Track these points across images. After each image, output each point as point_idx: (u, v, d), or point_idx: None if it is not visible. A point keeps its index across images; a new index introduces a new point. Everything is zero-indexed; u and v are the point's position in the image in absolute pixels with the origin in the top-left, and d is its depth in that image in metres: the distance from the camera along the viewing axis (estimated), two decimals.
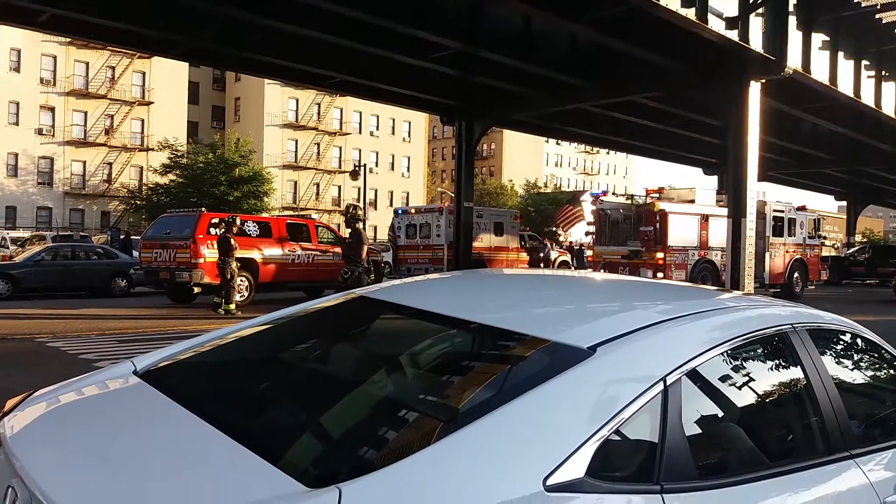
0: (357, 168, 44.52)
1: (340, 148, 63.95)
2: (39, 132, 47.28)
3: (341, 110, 62.89)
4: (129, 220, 47.66)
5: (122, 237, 28.01)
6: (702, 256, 20.64)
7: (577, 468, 1.49)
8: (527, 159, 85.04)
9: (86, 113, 49.53)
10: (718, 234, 19.99)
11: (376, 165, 64.46)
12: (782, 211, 23.71)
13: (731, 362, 2.04)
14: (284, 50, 19.08)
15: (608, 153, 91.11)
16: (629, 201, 22.28)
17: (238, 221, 16.96)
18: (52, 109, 48.01)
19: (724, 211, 20.49)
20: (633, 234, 20.31)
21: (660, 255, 19.54)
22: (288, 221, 20.45)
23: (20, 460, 1.64)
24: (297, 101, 60.13)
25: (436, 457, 1.46)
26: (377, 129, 66.43)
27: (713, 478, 1.77)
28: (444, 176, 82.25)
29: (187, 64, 48.49)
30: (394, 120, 66.66)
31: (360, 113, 64.03)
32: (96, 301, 18.29)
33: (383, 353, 2.33)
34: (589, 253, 22.20)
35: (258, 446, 1.58)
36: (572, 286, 2.92)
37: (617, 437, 1.59)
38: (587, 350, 1.74)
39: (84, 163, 49.79)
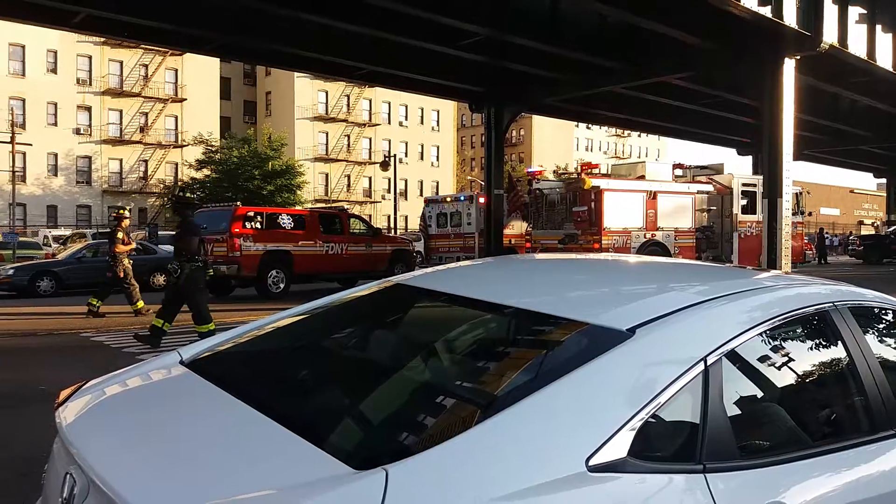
0: (387, 159, 44.66)
1: (370, 139, 64.14)
2: (77, 132, 48.22)
3: (370, 101, 63.03)
4: (166, 215, 48.44)
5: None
6: (649, 238, 18.43)
7: (619, 448, 1.50)
8: (557, 145, 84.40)
9: (121, 111, 50.37)
10: (671, 212, 18.67)
11: (406, 155, 64.54)
12: (753, 185, 21.15)
13: (771, 342, 2.03)
14: (313, 42, 19.18)
15: (639, 136, 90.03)
16: (562, 179, 20.28)
17: (128, 213, 16.80)
18: (89, 109, 48.90)
19: (681, 187, 19.31)
20: (569, 215, 18.40)
21: (596, 237, 17.48)
22: (321, 213, 20.62)
23: (77, 448, 1.70)
24: (327, 93, 60.42)
25: (479, 438, 1.48)
26: (406, 119, 66.46)
27: (756, 457, 1.77)
28: (473, 164, 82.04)
29: (218, 60, 49.00)
30: (422, 109, 66.62)
31: (389, 103, 64.11)
32: None
33: (422, 338, 2.35)
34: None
35: (303, 430, 1.62)
36: (605, 269, 2.91)
37: (658, 418, 1.60)
38: (626, 332, 1.75)
39: (121, 161, 50.69)
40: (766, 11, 15.00)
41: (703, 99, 24.11)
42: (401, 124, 66.16)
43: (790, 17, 15.49)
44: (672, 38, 16.97)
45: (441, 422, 1.73)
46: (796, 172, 19.16)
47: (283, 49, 19.94)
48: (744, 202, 20.82)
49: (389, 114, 65.17)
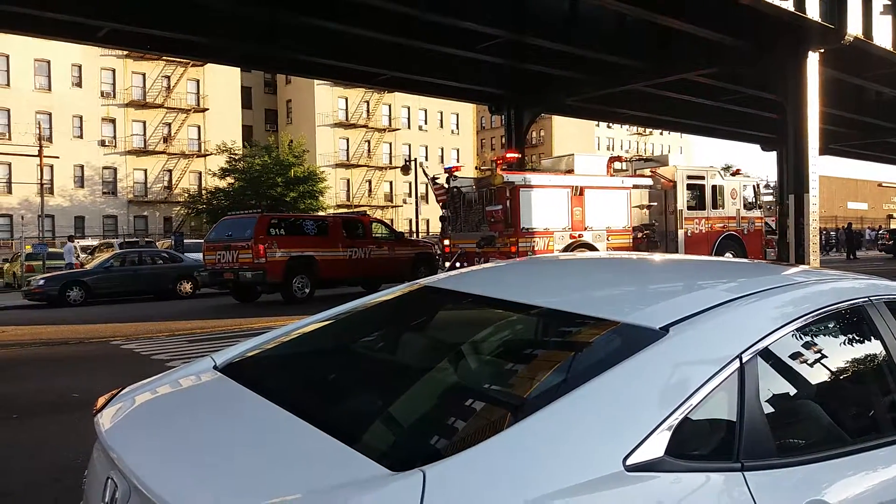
0: (408, 163, 44.75)
1: (390, 144, 64.36)
2: (102, 143, 48.93)
3: (390, 107, 63.27)
4: (191, 224, 48.98)
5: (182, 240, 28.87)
6: (575, 239, 16.73)
7: (656, 448, 1.50)
8: (578, 145, 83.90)
9: (144, 122, 51.04)
10: (603, 209, 17.03)
11: (426, 159, 64.63)
12: (701, 178, 19.36)
13: (806, 338, 2.01)
14: (332, 50, 19.34)
15: (661, 134, 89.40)
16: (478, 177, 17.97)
17: None
18: (113, 121, 49.61)
19: (614, 181, 17.55)
20: (485, 215, 16.69)
21: (512, 240, 15.78)
22: (343, 219, 20.74)
23: (117, 453, 1.73)
24: (347, 100, 60.74)
25: (515, 439, 1.48)
26: (425, 123, 66.61)
27: (794, 455, 1.75)
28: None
29: (239, 69, 49.50)
30: (442, 113, 66.74)
31: (409, 108, 64.30)
32: (164, 304, 18.91)
33: (453, 340, 2.36)
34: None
35: (338, 432, 1.63)
36: (632, 268, 2.90)
37: (695, 417, 1.59)
38: (659, 331, 1.74)
39: (145, 171, 51.34)
40: (789, 5, 14.86)
41: (726, 95, 23.91)
42: (420, 128, 66.33)
43: (813, 11, 15.33)
44: (693, 35, 16.88)
45: (475, 423, 1.73)
46: (822, 167, 18.71)
47: (302, 57, 20.12)
48: (691, 197, 19.03)
49: (409, 118, 65.37)
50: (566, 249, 16.32)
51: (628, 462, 1.46)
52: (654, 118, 30.62)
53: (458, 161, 69.39)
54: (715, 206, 19.30)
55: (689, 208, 18.77)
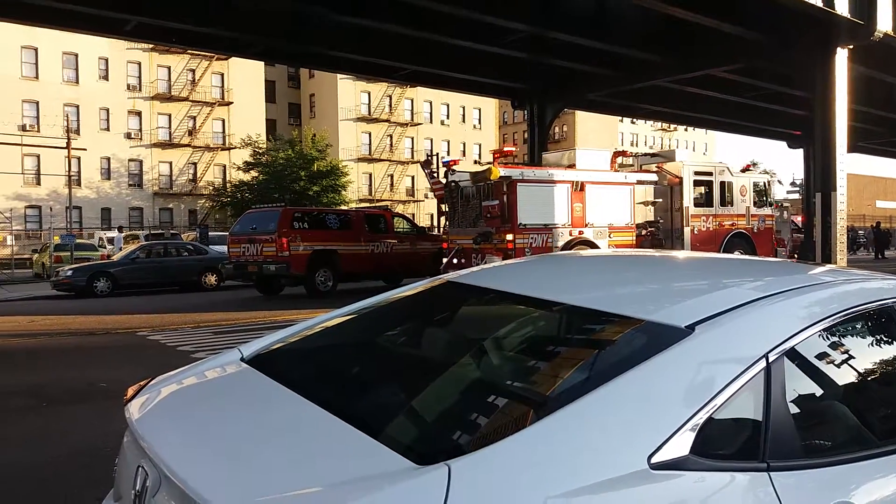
0: (429, 157, 44.78)
1: (412, 138, 64.44)
2: (128, 136, 49.50)
3: (412, 101, 63.32)
4: (216, 216, 49.43)
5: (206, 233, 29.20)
6: (576, 236, 16.18)
7: (681, 446, 1.50)
8: (601, 140, 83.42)
9: (170, 115, 51.55)
10: (605, 205, 16.55)
11: (448, 154, 64.60)
12: (709, 174, 18.78)
13: (833, 339, 1.99)
14: (355, 44, 19.39)
15: (686, 130, 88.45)
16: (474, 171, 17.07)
17: None
18: (139, 114, 50.16)
19: (617, 176, 17.01)
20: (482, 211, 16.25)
21: (509, 236, 15.30)
22: (366, 213, 20.81)
23: (148, 442, 1.76)
24: (370, 94, 60.88)
25: (540, 435, 1.49)
26: (448, 117, 66.59)
27: (821, 456, 1.75)
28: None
29: (263, 63, 49.78)
30: (464, 108, 66.67)
31: (431, 103, 64.31)
32: (188, 296, 19.13)
33: (477, 336, 2.37)
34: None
35: (363, 425, 1.65)
36: (655, 265, 2.89)
37: (720, 416, 1.59)
38: (685, 329, 1.73)
39: (170, 163, 51.88)
40: (817, 0, 14.65)
41: (751, 91, 23.64)
42: (442, 123, 66.32)
43: (842, 6, 15.10)
44: (718, 31, 16.71)
45: (499, 419, 1.74)
46: (850, 165, 18.43)
47: (326, 52, 20.19)
48: (698, 193, 18.47)
49: (431, 113, 65.38)
50: (566, 247, 15.86)
51: (653, 460, 1.46)
52: (678, 114, 30.34)
53: (479, 156, 69.38)
54: (723, 203, 18.74)
55: (697, 205, 18.28)
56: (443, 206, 17.54)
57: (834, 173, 16.60)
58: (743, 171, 19.82)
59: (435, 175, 18.29)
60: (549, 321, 2.25)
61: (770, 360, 1.70)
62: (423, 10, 16.56)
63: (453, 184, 16.79)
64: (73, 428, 5.99)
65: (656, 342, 1.70)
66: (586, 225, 16.32)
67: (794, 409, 1.75)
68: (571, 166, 16.85)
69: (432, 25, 17.61)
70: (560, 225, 15.97)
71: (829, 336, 1.96)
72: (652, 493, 1.45)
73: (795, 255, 26.63)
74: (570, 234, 16.07)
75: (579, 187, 16.24)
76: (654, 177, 17.75)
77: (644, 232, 17.36)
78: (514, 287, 2.46)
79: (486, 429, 1.67)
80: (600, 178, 16.67)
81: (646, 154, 19.86)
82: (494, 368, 2.11)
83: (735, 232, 18.85)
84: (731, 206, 18.88)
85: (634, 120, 77.54)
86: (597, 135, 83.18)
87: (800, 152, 34.38)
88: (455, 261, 16.07)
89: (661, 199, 17.81)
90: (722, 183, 18.76)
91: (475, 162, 16.53)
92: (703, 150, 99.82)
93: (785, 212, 31.73)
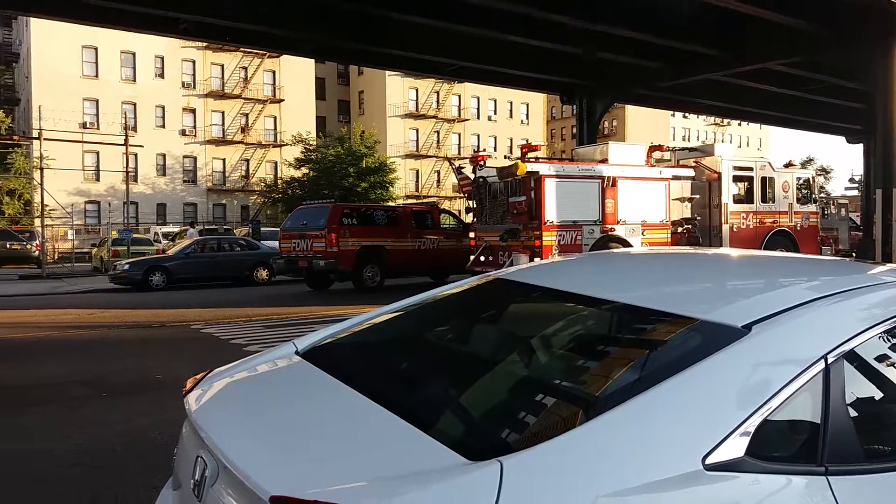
0: (476, 153, 44.77)
1: (459, 134, 64.44)
2: (183, 133, 50.68)
3: (459, 97, 63.32)
4: (267, 212, 50.27)
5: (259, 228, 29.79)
6: (606, 233, 15.69)
7: (736, 448, 1.48)
8: (651, 135, 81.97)
9: (223, 113, 52.60)
10: (638, 202, 15.97)
11: (495, 150, 64.41)
12: (749, 168, 18.10)
13: (894, 341, 1.93)
14: (404, 41, 19.49)
15: (739, 124, 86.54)
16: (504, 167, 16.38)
17: None
18: (193, 111, 51.31)
19: (651, 172, 16.38)
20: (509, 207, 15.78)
21: (536, 233, 14.87)
22: (413, 209, 20.91)
23: (206, 432, 1.82)
24: (417, 90, 61.10)
25: (593, 434, 1.49)
26: (495, 113, 66.38)
27: (882, 461, 1.70)
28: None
29: (313, 61, 50.39)
30: (511, 103, 66.38)
31: (478, 98, 64.20)
32: (241, 290, 19.51)
33: (527, 333, 2.37)
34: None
35: (414, 419, 1.68)
36: (708, 264, 2.84)
37: (777, 418, 1.56)
38: (742, 329, 1.71)
39: (224, 160, 52.94)
40: None
41: (808, 84, 22.99)
42: (490, 119, 66.14)
43: None
44: (774, 23, 16.31)
45: (551, 417, 1.75)
46: None
47: (375, 49, 20.34)
48: (738, 190, 17.83)
49: (478, 108, 65.26)
50: (596, 244, 15.46)
51: (707, 461, 1.45)
52: (732, 108, 29.69)
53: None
54: (764, 200, 18.02)
55: (736, 201, 17.65)
56: (470, 202, 17.32)
57: (895, 169, 16.05)
58: (786, 166, 19.18)
59: (462, 171, 18.11)
60: (600, 319, 2.23)
61: (829, 362, 1.67)
62: (471, 6, 16.56)
63: (481, 179, 16.48)
64: (130, 417, 6.17)
65: (712, 342, 1.68)
66: (618, 222, 15.86)
67: (853, 413, 1.71)
68: (604, 161, 16.32)
69: (481, 20, 17.58)
70: (590, 222, 15.53)
71: (890, 338, 1.90)
72: (706, 494, 1.44)
73: (854, 254, 25.82)
74: (601, 232, 15.64)
75: (611, 182, 15.74)
76: (691, 172, 17.20)
77: (680, 229, 16.87)
78: (564, 285, 2.45)
79: (538, 427, 1.68)
80: (633, 173, 16.12)
81: (683, 148, 19.26)
82: (545, 366, 2.12)
83: (777, 230, 18.21)
84: (773, 202, 18.20)
85: (686, 114, 76.11)
86: (647, 129, 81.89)
87: (859, 147, 33.31)
88: (482, 258, 15.90)
89: (698, 196, 17.24)
90: (763, 178, 18.10)
91: (518, 158, 16.05)
92: (758, 145, 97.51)
93: (843, 209, 30.84)
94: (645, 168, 16.50)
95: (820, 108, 27.07)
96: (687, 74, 21.53)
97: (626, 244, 15.75)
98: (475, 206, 16.86)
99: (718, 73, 21.31)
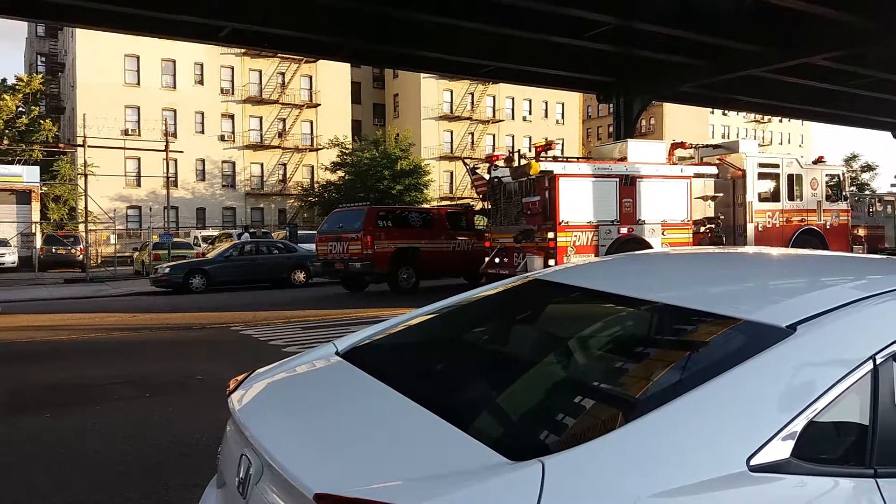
0: (511, 154, 44.64)
1: (494, 136, 64.32)
2: (221, 138, 51.51)
3: (494, 98, 63.22)
4: (304, 215, 50.81)
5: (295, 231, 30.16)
6: (625, 235, 15.25)
7: (782, 449, 1.46)
8: (690, 133, 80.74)
9: (261, 118, 53.33)
10: (658, 201, 15.55)
11: (530, 150, 64.21)
12: (775, 165, 17.38)
13: None
14: (439, 43, 19.55)
15: (781, 121, 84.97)
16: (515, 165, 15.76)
17: None
18: (232, 117, 52.12)
19: (672, 170, 15.89)
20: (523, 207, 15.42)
21: (550, 234, 14.46)
22: (447, 211, 20.94)
23: (250, 431, 1.85)
24: (452, 92, 61.17)
25: (635, 435, 1.48)
26: (530, 113, 66.11)
27: None
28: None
29: (349, 65, 50.80)
30: (546, 103, 66.04)
31: (513, 99, 64.02)
32: (279, 292, 19.75)
33: (566, 334, 2.36)
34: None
35: (454, 419, 1.68)
36: (749, 263, 2.80)
37: (824, 419, 1.54)
38: (786, 329, 1.68)
39: (261, 165, 53.66)
40: None
41: (853, 79, 22.47)
42: (524, 119, 65.90)
43: None
44: (816, 16, 15.98)
45: (592, 417, 1.74)
46: None
47: (412, 52, 20.43)
48: (763, 187, 17.14)
49: (513, 109, 65.08)
50: (613, 245, 15.04)
51: (752, 462, 1.43)
52: (773, 105, 29.13)
53: (562, 152, 68.64)
54: (791, 198, 17.41)
55: (762, 200, 17.04)
56: (485, 203, 16.98)
57: None
58: (815, 162, 18.57)
59: (477, 171, 17.81)
60: (640, 320, 2.21)
61: (878, 363, 1.63)
62: (505, 7, 16.53)
63: (496, 180, 16.13)
64: (173, 417, 6.29)
65: (756, 342, 1.66)
66: (637, 222, 15.42)
67: None
68: (623, 159, 15.87)
69: (515, 21, 17.54)
70: (607, 222, 15.13)
71: None
72: (750, 495, 1.42)
73: None
74: (619, 232, 15.25)
75: (629, 181, 15.30)
76: (713, 170, 16.73)
77: (703, 229, 16.40)
78: (602, 285, 2.43)
79: (578, 427, 1.67)
80: (653, 171, 15.65)
81: (707, 146, 18.63)
82: (584, 367, 2.10)
83: (805, 228, 17.58)
84: (801, 200, 17.58)
85: (726, 112, 74.90)
86: (686, 127, 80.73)
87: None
88: (497, 260, 15.63)
89: (722, 194, 16.74)
90: (790, 176, 17.47)
91: (555, 158, 15.77)
92: (800, 141, 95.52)
93: (889, 206, 30.03)
94: (665, 166, 16.08)
95: (864, 102, 26.43)
96: (727, 71, 21.20)
97: (646, 245, 15.32)
98: (490, 206, 16.60)
99: (760, 69, 20.93)
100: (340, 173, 47.13)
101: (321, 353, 2.44)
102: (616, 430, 1.49)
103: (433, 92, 60.13)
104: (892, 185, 44.50)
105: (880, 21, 15.96)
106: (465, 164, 23.02)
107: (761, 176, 17.15)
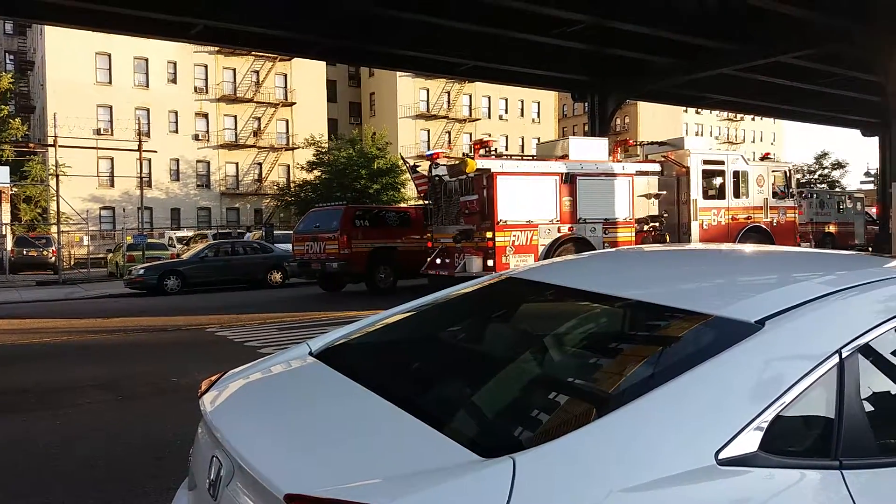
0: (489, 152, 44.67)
1: (470, 134, 64.36)
2: (196, 138, 51.01)
3: (470, 97, 63.34)
4: (280, 215, 50.49)
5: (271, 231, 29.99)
6: (566, 234, 15.04)
7: (750, 443, 1.48)
8: (664, 131, 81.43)
9: (235, 117, 52.89)
10: (599, 199, 15.36)
11: (506, 149, 64.38)
12: (720, 162, 17.29)
13: None
14: (416, 41, 19.52)
15: (753, 119, 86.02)
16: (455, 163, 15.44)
17: None
18: (206, 116, 51.63)
19: (614, 167, 15.82)
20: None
21: (489, 234, 14.22)
22: (424, 210, 20.90)
23: (222, 433, 1.83)
24: (428, 91, 61.17)
25: (605, 430, 1.49)
26: (506, 112, 66.34)
27: None
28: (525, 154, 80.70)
29: (324, 63, 50.55)
30: (522, 102, 66.32)
31: (489, 98, 64.19)
32: (255, 293, 19.60)
33: (540, 331, 2.37)
34: None
35: (427, 418, 1.69)
36: (721, 259, 2.83)
37: (791, 412, 1.56)
38: (755, 324, 1.70)
39: (236, 164, 53.24)
40: None
41: (824, 78, 22.82)
42: (501, 118, 66.10)
43: None
44: (786, 15, 16.22)
45: (564, 413, 1.75)
46: None
47: (387, 50, 20.37)
48: (709, 185, 17.11)
49: (489, 108, 65.25)
50: (553, 245, 14.80)
51: (721, 456, 1.44)
52: (745, 103, 29.51)
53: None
54: (737, 195, 17.26)
55: (707, 197, 16.90)
56: (426, 202, 16.78)
57: None
58: (761, 159, 18.56)
59: (417, 169, 17.57)
60: (613, 317, 2.23)
61: (843, 356, 1.66)
62: (483, 5, 16.56)
63: (437, 178, 15.82)
64: (146, 420, 6.22)
65: (725, 337, 1.68)
66: (577, 220, 15.20)
67: (868, 407, 1.70)
68: (564, 157, 15.71)
69: (492, 19, 17.59)
70: (547, 221, 14.86)
71: None
72: (719, 488, 1.43)
73: (870, 249, 25.60)
74: (559, 231, 15.01)
75: (569, 179, 15.06)
76: (657, 167, 16.56)
77: (646, 227, 16.23)
78: (576, 282, 2.45)
79: (551, 424, 1.68)
80: (593, 169, 15.42)
81: (653, 143, 18.56)
82: (557, 364, 2.12)
83: (751, 226, 17.47)
84: (747, 197, 17.44)
85: (699, 111, 75.69)
86: (660, 126, 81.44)
87: (875, 141, 33.00)
88: (438, 261, 15.47)
89: (665, 192, 16.57)
90: (736, 172, 17.32)
91: (499, 156, 15.71)
92: (772, 139, 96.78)
93: (859, 203, 30.57)
94: (606, 164, 15.93)
95: (834, 100, 26.86)
96: (700, 70, 21.43)
97: (587, 243, 15.19)
98: (431, 205, 16.35)
99: (732, 67, 21.19)
100: (317, 172, 46.89)
101: (294, 353, 2.43)
102: (587, 425, 1.50)
103: (409, 90, 60.07)
104: (862, 183, 45.29)
105: (850, 20, 16.22)
106: (404, 161, 22.73)
107: (706, 173, 17.05)
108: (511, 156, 16.67)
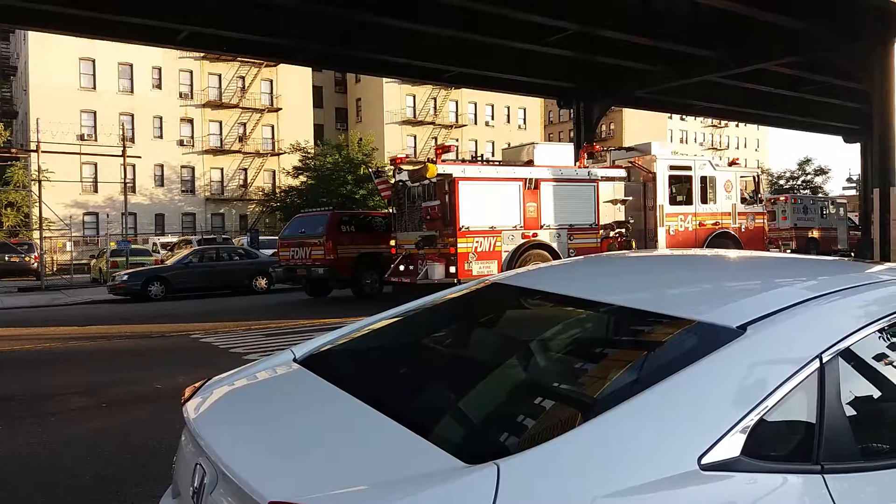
0: (475, 159, 44.75)
1: (457, 140, 64.55)
2: (181, 143, 50.72)
3: (457, 103, 63.47)
4: (266, 221, 50.29)
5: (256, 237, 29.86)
6: (529, 240, 14.84)
7: (732, 448, 1.49)
8: (649, 137, 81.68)
9: (220, 122, 52.67)
10: (564, 205, 15.22)
11: (493, 155, 64.56)
12: (687, 168, 17.22)
13: (892, 339, 1.94)
14: (403, 48, 19.56)
15: (737, 126, 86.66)
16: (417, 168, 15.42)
17: None
18: (191, 121, 51.37)
19: (579, 173, 15.72)
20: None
21: (451, 240, 14.08)
22: None
23: (205, 440, 1.82)
24: (415, 97, 61.24)
25: (589, 436, 1.49)
26: (492, 118, 66.54)
27: (878, 459, 1.70)
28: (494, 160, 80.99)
29: (311, 69, 50.49)
30: (508, 108, 66.53)
31: (475, 104, 64.38)
32: (240, 299, 19.50)
33: (524, 337, 2.38)
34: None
35: (412, 424, 1.68)
36: (704, 265, 2.85)
37: (773, 417, 1.57)
38: (736, 329, 1.71)
39: (222, 170, 52.98)
40: None
41: (807, 85, 23.07)
42: (487, 124, 66.29)
43: None
44: (771, 23, 16.40)
45: (548, 419, 1.75)
46: None
47: (374, 56, 20.39)
48: (675, 191, 17.00)
49: (476, 114, 65.44)
50: (517, 251, 14.63)
51: (703, 461, 1.45)
52: (730, 110, 29.77)
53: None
54: (704, 201, 17.17)
55: (674, 203, 16.83)
56: (390, 207, 16.63)
57: (892, 168, 16.09)
58: (729, 164, 18.55)
59: (382, 174, 17.41)
60: (597, 322, 2.24)
61: (824, 361, 1.67)
62: (468, 12, 16.61)
63: (400, 183, 15.64)
64: (129, 427, 6.17)
65: (707, 343, 1.69)
66: (541, 227, 15.02)
67: (849, 411, 1.71)
68: (530, 162, 15.53)
69: (478, 26, 17.65)
70: (510, 227, 14.70)
71: (887, 336, 1.91)
72: (702, 494, 1.44)
73: (852, 254, 25.86)
74: (523, 237, 14.82)
75: (533, 185, 14.86)
76: (622, 172, 16.38)
77: (612, 233, 16.04)
78: (560, 288, 2.45)
79: (535, 429, 1.69)
80: (558, 174, 15.26)
81: (620, 148, 18.51)
82: (542, 369, 2.12)
83: (719, 232, 17.35)
84: (715, 203, 17.35)
85: (684, 117, 76.22)
86: (645, 132, 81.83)
87: (856, 147, 33.38)
88: (401, 267, 15.32)
89: (631, 198, 16.44)
90: (703, 178, 17.23)
91: (462, 161, 15.76)
92: (756, 146, 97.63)
93: (841, 209, 30.90)
94: (571, 169, 15.83)
95: (817, 108, 27.16)
96: (686, 77, 21.60)
97: (551, 250, 15.04)
98: (395, 211, 16.21)
99: (717, 74, 21.38)
100: (303, 178, 46.77)
101: (278, 360, 2.42)
102: (571, 430, 1.51)
103: (396, 96, 60.11)
104: (844, 189, 45.75)
105: (833, 28, 16.42)
106: (367, 166, 22.64)
107: (673, 179, 16.96)
108: (474, 160, 16.63)
